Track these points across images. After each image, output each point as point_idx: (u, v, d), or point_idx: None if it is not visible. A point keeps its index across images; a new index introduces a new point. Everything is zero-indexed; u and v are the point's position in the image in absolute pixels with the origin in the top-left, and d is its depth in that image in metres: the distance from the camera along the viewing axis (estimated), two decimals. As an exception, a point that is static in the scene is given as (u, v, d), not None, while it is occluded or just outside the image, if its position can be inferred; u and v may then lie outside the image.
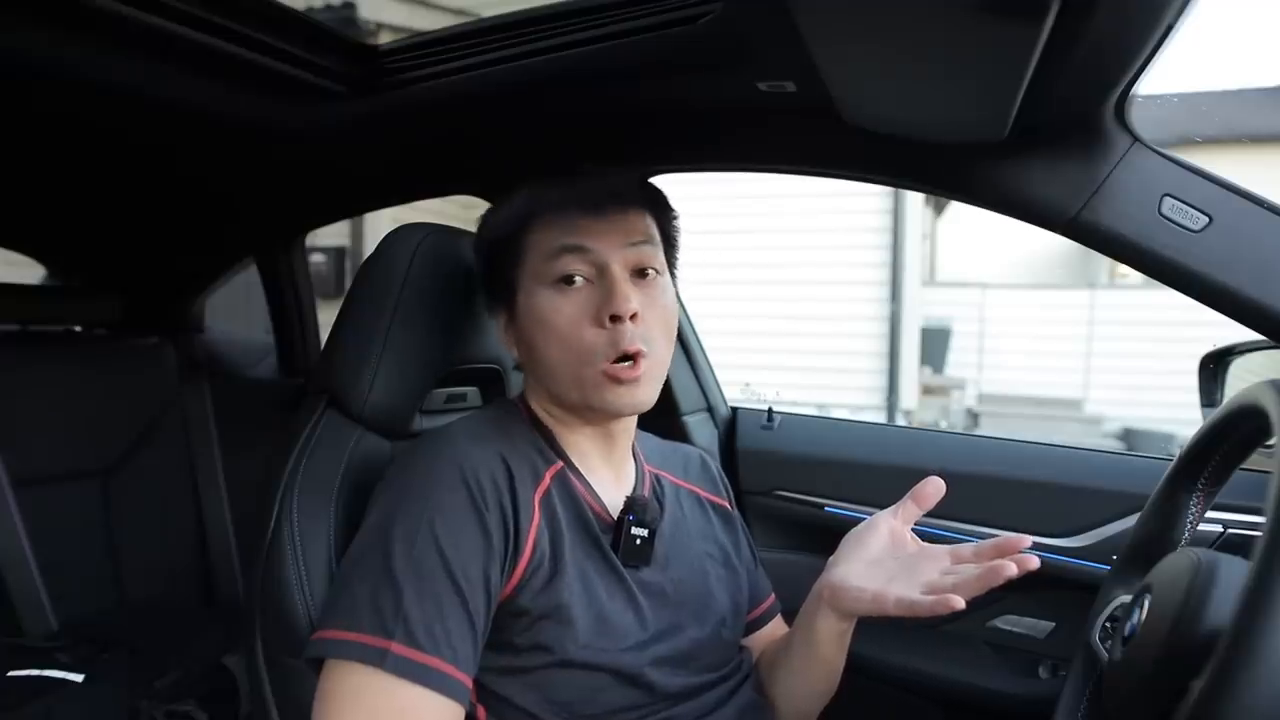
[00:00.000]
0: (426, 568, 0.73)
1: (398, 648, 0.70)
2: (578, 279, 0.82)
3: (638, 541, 0.85)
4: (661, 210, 0.90)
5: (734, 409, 1.46)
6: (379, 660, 0.70)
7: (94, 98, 1.21)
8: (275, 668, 0.85)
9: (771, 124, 1.07)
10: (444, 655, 0.72)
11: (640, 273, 0.84)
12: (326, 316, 1.19)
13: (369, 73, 1.14)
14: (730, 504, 1.05)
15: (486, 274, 0.91)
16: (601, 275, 0.82)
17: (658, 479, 0.97)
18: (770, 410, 1.42)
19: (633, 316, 0.80)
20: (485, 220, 0.91)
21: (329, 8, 4.61)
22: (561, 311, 0.82)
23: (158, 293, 1.92)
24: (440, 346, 0.96)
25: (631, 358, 0.81)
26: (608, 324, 0.80)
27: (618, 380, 0.81)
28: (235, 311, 2.31)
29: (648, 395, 0.84)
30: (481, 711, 0.79)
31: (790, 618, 1.29)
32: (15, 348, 1.68)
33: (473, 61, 1.05)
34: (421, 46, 1.11)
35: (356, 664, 0.71)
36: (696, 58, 0.93)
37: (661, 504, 0.93)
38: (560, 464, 0.86)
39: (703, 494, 1.02)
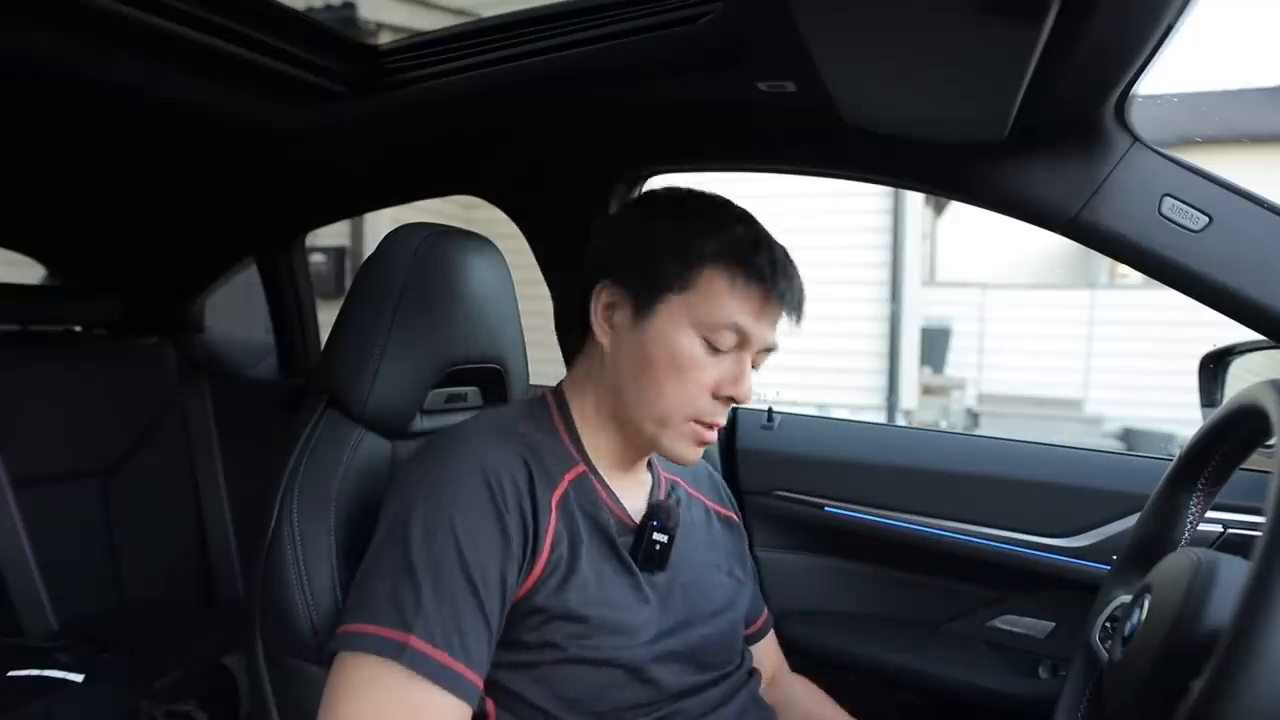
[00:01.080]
0: (445, 566, 0.73)
1: (416, 642, 0.70)
2: (722, 348, 0.83)
3: (657, 547, 0.86)
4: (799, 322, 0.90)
5: (734, 409, 1.46)
6: (396, 653, 0.70)
7: (94, 98, 1.21)
8: (275, 668, 0.85)
9: (771, 124, 1.07)
10: (457, 655, 0.72)
11: (753, 364, 0.87)
12: (326, 316, 1.19)
13: (369, 73, 1.14)
14: (735, 515, 1.06)
15: (622, 259, 0.86)
16: (739, 352, 0.84)
17: (673, 485, 0.98)
18: (770, 410, 1.42)
19: None
20: (654, 216, 0.87)
21: (329, 8, 4.61)
22: (699, 366, 0.82)
23: (158, 293, 1.92)
24: (440, 346, 0.96)
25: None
26: (722, 396, 0.83)
27: (701, 440, 0.85)
28: (235, 311, 2.31)
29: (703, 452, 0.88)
30: (490, 705, 0.79)
31: (790, 616, 1.30)
32: (15, 348, 1.68)
33: (473, 61, 1.05)
34: (421, 46, 1.11)
35: (372, 656, 0.71)
36: (696, 58, 0.93)
37: (678, 508, 0.94)
38: (582, 467, 0.86)
39: (710, 504, 1.03)
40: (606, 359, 0.87)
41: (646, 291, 0.83)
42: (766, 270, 0.82)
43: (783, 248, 0.87)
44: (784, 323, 0.87)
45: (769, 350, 0.87)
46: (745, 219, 0.87)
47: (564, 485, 0.84)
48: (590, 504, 0.85)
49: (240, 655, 1.28)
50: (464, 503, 0.76)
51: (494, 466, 0.78)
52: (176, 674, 1.37)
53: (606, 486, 0.87)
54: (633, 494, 0.90)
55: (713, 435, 0.85)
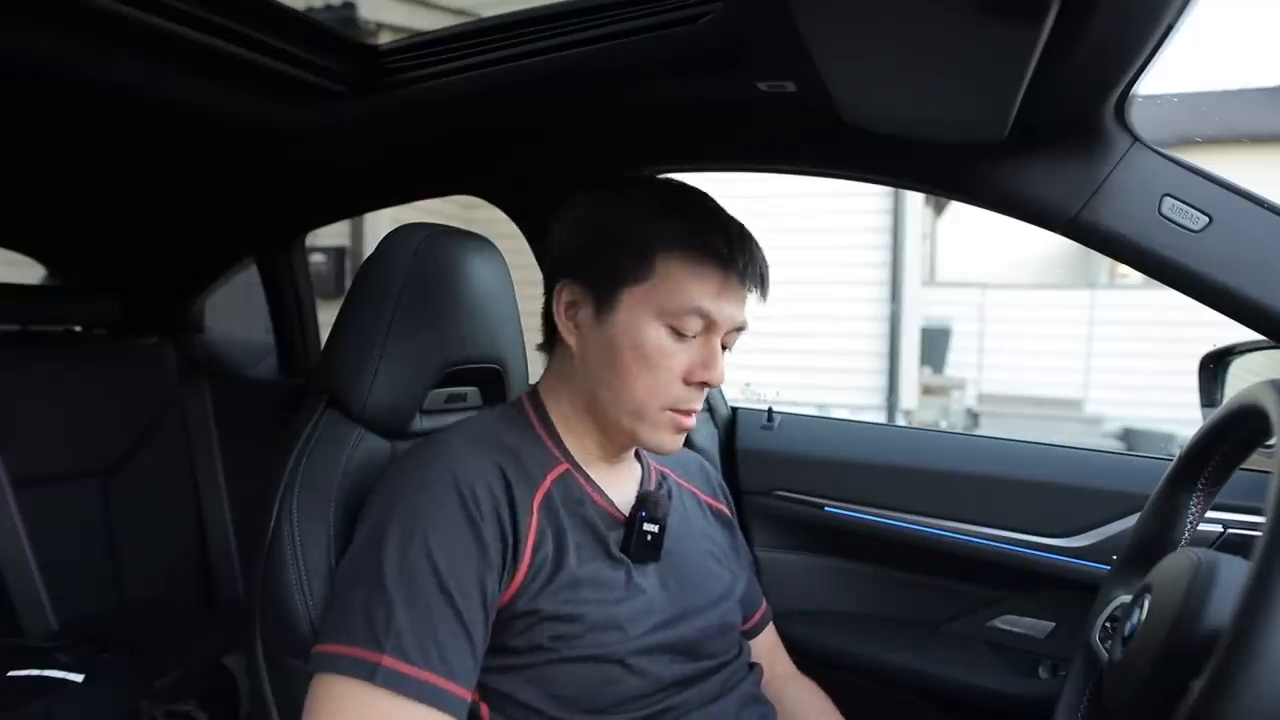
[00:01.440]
0: (418, 580, 0.73)
1: (389, 661, 0.70)
2: (689, 333, 0.82)
3: (649, 537, 0.86)
4: (765, 296, 0.89)
5: (734, 409, 1.46)
6: (370, 674, 0.70)
7: (94, 98, 1.21)
8: (275, 668, 0.85)
9: (771, 124, 1.07)
10: (436, 669, 0.71)
11: (724, 344, 0.86)
12: (326, 316, 1.19)
13: (369, 73, 1.14)
14: (730, 511, 1.06)
15: (577, 256, 0.86)
16: (707, 335, 0.83)
17: (663, 475, 0.98)
18: (770, 410, 1.42)
19: None
20: (604, 209, 0.86)
21: (329, 8, 4.61)
22: (667, 355, 0.82)
23: (158, 293, 1.92)
24: (440, 346, 0.96)
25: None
26: (694, 381, 0.83)
27: (679, 428, 0.84)
28: (235, 311, 2.31)
29: (683, 440, 0.87)
30: (484, 710, 0.79)
31: (790, 616, 1.30)
32: (15, 348, 1.67)
33: (473, 61, 1.05)
34: (421, 46, 1.11)
35: (345, 677, 0.71)
36: (696, 58, 0.92)
37: (669, 499, 0.94)
38: (565, 465, 0.86)
39: (702, 496, 1.02)
40: (575, 358, 0.87)
41: (605, 287, 0.83)
42: (723, 249, 0.81)
43: (738, 223, 0.86)
44: (763, 304, 0.87)
45: (739, 329, 0.86)
46: (696, 200, 0.86)
47: (546, 485, 0.83)
48: (575, 501, 0.84)
49: (240, 655, 1.28)
50: (436, 515, 0.75)
51: (466, 476, 0.78)
52: (176, 674, 1.37)
53: (591, 482, 0.87)
54: (621, 486, 0.90)
55: (691, 421, 0.85)
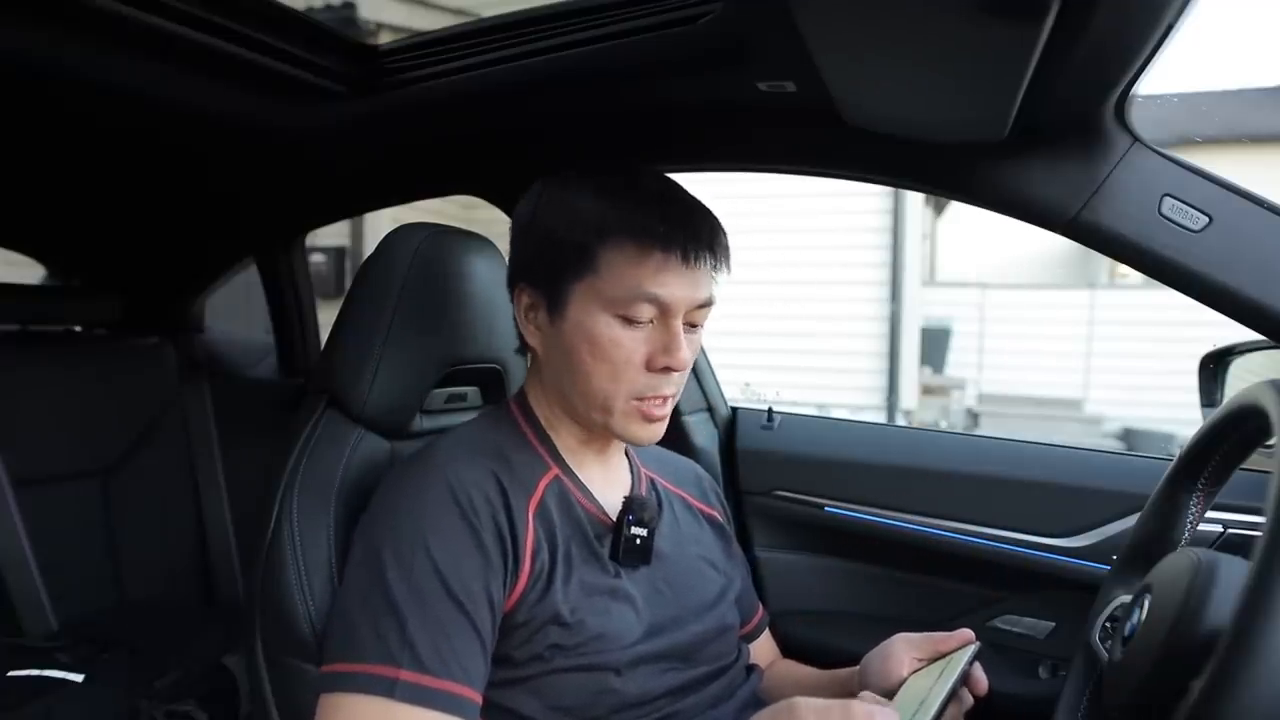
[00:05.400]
0: (427, 591, 0.73)
1: (406, 674, 0.70)
2: (643, 320, 0.81)
3: (637, 541, 0.85)
4: (726, 268, 0.87)
5: (734, 409, 1.46)
6: (388, 690, 0.70)
7: (94, 98, 1.21)
8: (275, 668, 0.85)
9: (771, 124, 1.07)
10: (455, 677, 0.71)
11: (691, 323, 0.84)
12: (326, 316, 1.19)
13: (369, 73, 1.14)
14: (724, 518, 1.05)
15: (528, 258, 0.86)
16: (663, 319, 0.81)
17: (652, 480, 0.97)
18: (770, 410, 1.42)
19: None
20: (544, 208, 0.86)
21: (329, 8, 4.61)
22: (622, 346, 0.80)
23: (158, 293, 1.92)
24: (440, 346, 0.96)
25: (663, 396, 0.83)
26: (657, 368, 0.81)
27: (648, 417, 0.83)
28: (235, 311, 2.31)
29: (663, 429, 0.86)
30: None
31: (790, 616, 1.30)
32: (15, 348, 1.68)
33: (473, 61, 1.05)
34: (421, 46, 1.11)
35: (364, 695, 0.70)
36: (696, 58, 0.92)
37: (659, 503, 0.94)
38: (555, 470, 0.86)
39: (692, 501, 1.02)
40: (541, 360, 0.87)
41: (553, 286, 0.83)
42: (659, 229, 0.79)
43: (681, 199, 0.84)
44: (728, 276, 0.85)
45: (704, 306, 0.84)
46: (632, 183, 0.84)
47: (539, 493, 0.83)
48: (567, 506, 0.84)
49: (240, 655, 1.28)
50: (436, 525, 0.75)
51: (462, 484, 0.78)
52: (176, 674, 1.37)
53: (582, 486, 0.87)
54: (610, 490, 0.90)
55: (662, 410, 0.83)
